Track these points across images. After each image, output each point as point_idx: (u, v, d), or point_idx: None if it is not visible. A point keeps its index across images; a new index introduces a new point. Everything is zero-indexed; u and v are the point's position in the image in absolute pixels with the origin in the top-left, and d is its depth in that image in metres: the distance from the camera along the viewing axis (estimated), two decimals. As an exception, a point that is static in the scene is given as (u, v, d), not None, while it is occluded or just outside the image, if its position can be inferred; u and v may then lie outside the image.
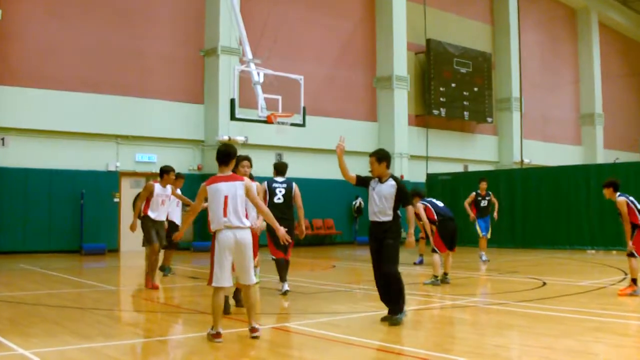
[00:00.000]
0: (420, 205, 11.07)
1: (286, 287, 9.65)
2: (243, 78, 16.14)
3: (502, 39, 29.64)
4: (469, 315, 8.24)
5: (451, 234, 11.05)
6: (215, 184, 6.47)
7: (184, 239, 15.51)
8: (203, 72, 20.81)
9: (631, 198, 9.52)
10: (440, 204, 11.37)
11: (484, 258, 15.40)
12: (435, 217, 11.07)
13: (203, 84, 20.80)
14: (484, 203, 15.65)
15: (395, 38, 24.63)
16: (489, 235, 15.60)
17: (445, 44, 26.77)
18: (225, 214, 6.38)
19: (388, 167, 7.60)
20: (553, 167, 22.58)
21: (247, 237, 6.43)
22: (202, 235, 18.54)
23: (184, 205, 12.61)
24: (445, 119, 26.66)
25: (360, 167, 27.14)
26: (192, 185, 16.16)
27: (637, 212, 9.30)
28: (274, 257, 9.84)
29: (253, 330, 6.41)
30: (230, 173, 6.62)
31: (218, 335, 6.30)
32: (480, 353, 5.82)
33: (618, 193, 9.52)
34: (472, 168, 27.01)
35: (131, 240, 19.45)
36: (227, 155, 6.59)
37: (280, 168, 10.62)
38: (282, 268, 9.76)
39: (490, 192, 15.81)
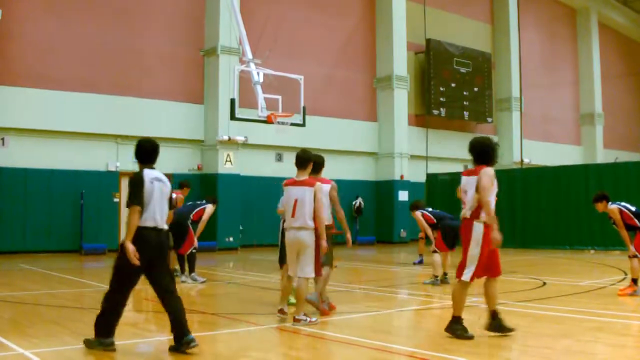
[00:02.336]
0: (418, 213, 11.67)
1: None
2: (243, 78, 16.13)
3: (502, 38, 29.64)
4: (469, 315, 8.19)
5: (454, 234, 11.18)
6: (288, 187, 7.34)
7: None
8: (203, 72, 20.80)
9: (623, 204, 9.52)
10: (436, 210, 12.06)
11: None
12: (435, 221, 11.44)
13: (203, 83, 20.79)
14: None
15: (395, 38, 24.63)
16: None
17: (445, 44, 26.77)
18: (293, 215, 7.15)
19: (140, 162, 6.02)
20: (553, 166, 22.57)
21: (306, 236, 7.11)
22: (204, 236, 18.53)
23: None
24: (445, 118, 26.65)
25: (360, 167, 27.22)
26: (193, 186, 16.19)
27: (632, 215, 9.29)
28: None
29: (295, 320, 7.03)
30: (305, 177, 7.29)
31: (282, 311, 7.38)
32: (481, 353, 5.83)
33: (610, 202, 9.54)
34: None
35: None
36: (303, 160, 7.36)
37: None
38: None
39: None
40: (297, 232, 7.13)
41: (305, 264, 7.13)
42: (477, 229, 6.23)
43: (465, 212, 6.34)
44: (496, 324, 6.35)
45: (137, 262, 5.59)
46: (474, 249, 6.22)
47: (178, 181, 13.83)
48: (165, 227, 5.94)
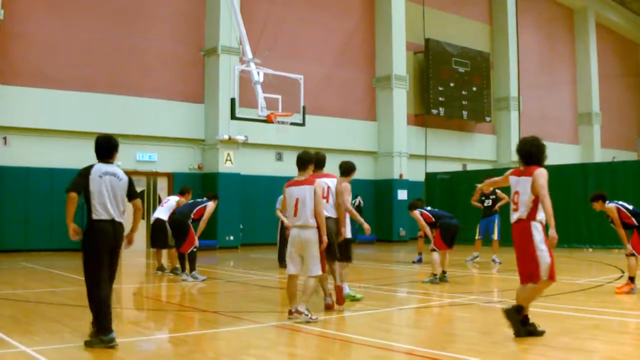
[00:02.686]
0: (417, 212, 11.75)
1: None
2: (243, 77, 16.19)
3: (500, 38, 29.69)
4: (468, 313, 8.30)
5: (453, 232, 11.28)
6: (289, 187, 7.46)
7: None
8: (203, 72, 20.84)
9: (620, 202, 9.59)
10: (435, 209, 12.18)
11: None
12: (433, 220, 11.53)
13: (203, 83, 20.83)
14: (487, 202, 14.89)
15: (394, 38, 24.68)
16: (495, 237, 14.77)
17: (444, 44, 26.82)
18: (295, 214, 7.32)
19: (97, 157, 6.35)
20: (551, 165, 22.44)
21: (309, 235, 7.26)
22: (204, 235, 18.59)
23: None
24: (444, 118, 26.71)
25: (360, 166, 27.28)
26: (193, 185, 16.25)
27: (629, 214, 9.36)
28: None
29: (296, 312, 7.12)
30: (306, 177, 7.44)
31: (290, 312, 7.26)
32: (479, 351, 5.87)
33: (607, 201, 9.61)
34: (470, 167, 27.07)
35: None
36: (304, 161, 7.52)
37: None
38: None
39: (497, 190, 14.67)
40: (301, 230, 7.28)
41: (312, 263, 7.28)
42: (537, 229, 6.22)
43: (521, 213, 6.23)
44: (526, 331, 6.25)
45: (76, 237, 6.02)
46: (541, 247, 6.23)
47: (179, 187, 13.90)
48: (122, 219, 6.14)
